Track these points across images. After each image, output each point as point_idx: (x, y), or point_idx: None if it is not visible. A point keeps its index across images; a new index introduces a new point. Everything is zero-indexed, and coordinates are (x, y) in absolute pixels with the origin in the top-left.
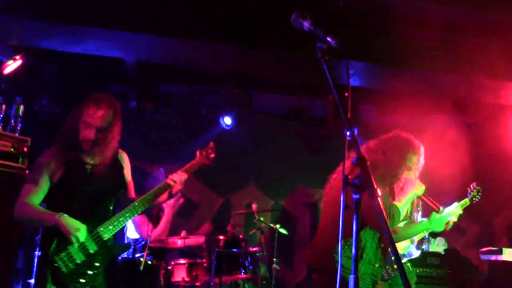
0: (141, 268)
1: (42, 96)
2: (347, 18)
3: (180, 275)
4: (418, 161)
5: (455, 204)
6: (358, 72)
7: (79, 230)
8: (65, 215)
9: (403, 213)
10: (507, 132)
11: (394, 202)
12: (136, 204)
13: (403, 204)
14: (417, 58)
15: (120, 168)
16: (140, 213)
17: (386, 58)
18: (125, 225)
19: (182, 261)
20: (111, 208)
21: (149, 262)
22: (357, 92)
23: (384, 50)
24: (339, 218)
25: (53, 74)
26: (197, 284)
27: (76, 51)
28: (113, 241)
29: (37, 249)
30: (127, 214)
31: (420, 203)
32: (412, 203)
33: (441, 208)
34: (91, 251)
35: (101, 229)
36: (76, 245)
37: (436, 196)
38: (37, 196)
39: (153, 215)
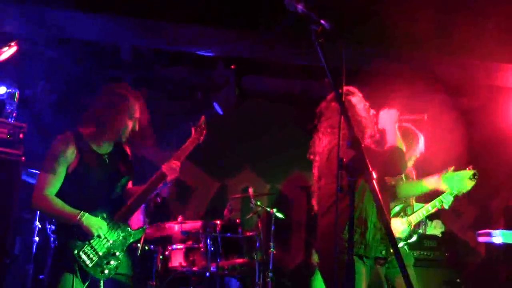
0: (138, 253)
1: (36, 83)
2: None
3: (177, 260)
4: (359, 96)
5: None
6: (351, 55)
7: (101, 229)
8: (86, 214)
9: (403, 146)
10: (503, 114)
11: (389, 145)
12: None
13: (396, 139)
14: (411, 40)
15: (127, 155)
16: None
17: (379, 41)
18: None
19: (179, 246)
20: (120, 194)
21: (146, 248)
22: (351, 75)
23: (377, 33)
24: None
25: (47, 61)
26: (194, 269)
27: (71, 36)
28: (128, 228)
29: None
30: (137, 201)
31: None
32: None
33: (425, 115)
34: (111, 240)
35: (116, 220)
36: (98, 238)
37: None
38: (55, 186)
39: (157, 204)
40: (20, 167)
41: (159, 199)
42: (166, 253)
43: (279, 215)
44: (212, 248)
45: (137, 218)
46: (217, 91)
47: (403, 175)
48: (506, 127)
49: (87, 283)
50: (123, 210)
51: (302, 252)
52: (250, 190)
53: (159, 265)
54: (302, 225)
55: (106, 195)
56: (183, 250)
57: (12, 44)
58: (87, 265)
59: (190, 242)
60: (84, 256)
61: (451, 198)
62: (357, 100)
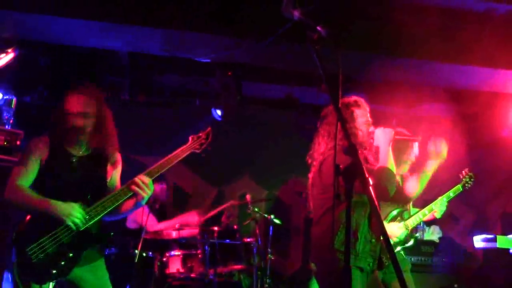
0: (136, 260)
1: (34, 89)
2: (342, 7)
3: (175, 266)
4: (366, 110)
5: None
6: (352, 61)
7: (76, 214)
8: (58, 201)
9: (394, 168)
10: (501, 119)
11: (379, 165)
12: (117, 192)
13: (388, 159)
14: (412, 46)
15: (104, 161)
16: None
17: (381, 47)
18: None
19: (177, 252)
20: (89, 197)
21: (144, 254)
22: (350, 81)
23: (379, 39)
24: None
25: (45, 67)
26: (192, 275)
27: (69, 43)
28: (94, 232)
29: None
30: (105, 203)
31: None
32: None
33: (419, 137)
34: (64, 241)
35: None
36: (47, 236)
37: (432, 185)
38: (26, 178)
39: (155, 210)
40: None
41: (157, 205)
42: (164, 259)
43: (277, 221)
44: (210, 255)
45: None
46: (216, 97)
47: (399, 178)
48: (503, 133)
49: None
50: (95, 205)
51: (299, 258)
52: (248, 197)
53: (157, 272)
54: (299, 231)
55: (72, 195)
56: (181, 256)
57: (9, 50)
58: (31, 263)
59: (187, 249)
60: (30, 252)
61: (445, 202)
62: (361, 113)
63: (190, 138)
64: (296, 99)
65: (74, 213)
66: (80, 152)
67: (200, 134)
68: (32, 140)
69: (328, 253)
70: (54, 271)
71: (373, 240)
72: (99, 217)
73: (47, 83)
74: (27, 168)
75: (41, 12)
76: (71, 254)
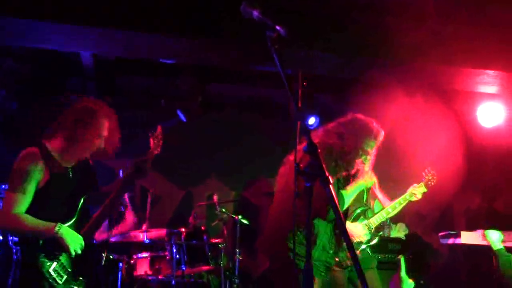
0: (102, 262)
1: None
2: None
3: (142, 268)
4: (376, 145)
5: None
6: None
7: (79, 243)
8: (63, 226)
9: (348, 201)
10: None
11: (340, 190)
12: (107, 204)
13: (348, 192)
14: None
15: (90, 166)
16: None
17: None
18: None
19: (144, 254)
20: (80, 207)
21: (111, 257)
22: (325, 81)
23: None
24: (291, 205)
25: (8, 69)
26: (160, 277)
27: (32, 45)
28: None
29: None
30: (101, 215)
31: (378, 190)
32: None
33: (386, 207)
34: (78, 256)
35: (83, 232)
36: (65, 254)
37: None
38: (24, 205)
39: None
40: None
41: (122, 208)
42: (131, 261)
43: (244, 221)
44: (177, 256)
45: (101, 227)
46: (181, 99)
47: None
48: (469, 131)
49: None
50: (89, 224)
51: (268, 258)
52: (215, 197)
53: (124, 274)
54: None
55: (70, 209)
56: (148, 258)
57: None
58: (57, 283)
59: (155, 250)
60: (54, 274)
61: (407, 200)
62: (364, 135)
63: (150, 140)
64: (263, 101)
65: (80, 241)
66: (71, 163)
67: (156, 134)
68: (25, 160)
69: (281, 250)
70: (75, 287)
71: (331, 252)
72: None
73: (10, 86)
74: (25, 194)
75: (1, 14)
76: (84, 267)
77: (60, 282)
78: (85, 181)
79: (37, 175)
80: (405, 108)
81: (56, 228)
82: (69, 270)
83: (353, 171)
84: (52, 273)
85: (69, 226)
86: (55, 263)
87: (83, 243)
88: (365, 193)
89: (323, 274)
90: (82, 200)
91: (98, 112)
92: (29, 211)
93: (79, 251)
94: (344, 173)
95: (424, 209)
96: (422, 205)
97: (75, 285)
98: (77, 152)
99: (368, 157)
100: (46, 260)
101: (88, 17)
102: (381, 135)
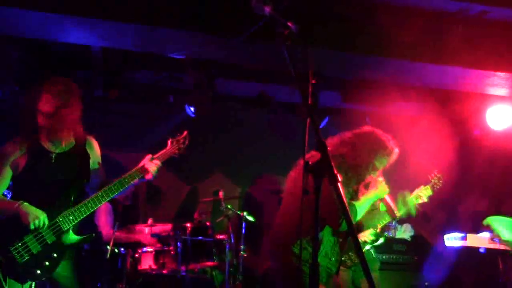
0: (108, 256)
1: (4, 83)
2: (329, 8)
3: (147, 262)
4: (388, 163)
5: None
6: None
7: (38, 218)
8: (26, 203)
9: (361, 213)
10: (474, 119)
11: (353, 201)
12: (100, 194)
13: (361, 203)
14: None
15: (86, 157)
16: (106, 200)
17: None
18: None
19: (149, 249)
20: (72, 198)
21: (116, 250)
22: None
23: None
24: (299, 210)
25: (17, 61)
26: (164, 272)
27: (41, 37)
28: (74, 232)
29: None
30: (89, 204)
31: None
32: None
33: (397, 216)
34: (49, 242)
35: (60, 219)
36: (31, 235)
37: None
38: None
39: (118, 203)
40: None
41: (127, 202)
42: (136, 255)
43: (250, 218)
44: (182, 251)
45: (106, 220)
46: (189, 94)
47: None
48: (476, 133)
49: (28, 285)
50: (77, 207)
51: (271, 259)
52: (221, 193)
53: (129, 268)
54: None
55: (54, 195)
56: (153, 252)
57: None
58: (16, 263)
59: (160, 245)
60: (14, 252)
61: (413, 201)
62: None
63: (169, 142)
64: (269, 97)
65: (40, 216)
66: (58, 149)
67: (179, 138)
68: (5, 146)
69: (286, 254)
70: (38, 272)
71: (333, 259)
72: (85, 215)
73: (19, 78)
74: None
75: (12, 5)
76: (55, 255)
77: (20, 262)
78: (74, 170)
79: (11, 159)
80: (414, 109)
81: (18, 204)
82: (33, 252)
83: (363, 184)
84: (13, 251)
85: (51, 213)
86: (19, 243)
87: (46, 221)
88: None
89: (323, 280)
90: (71, 189)
91: (32, 90)
92: (13, 197)
93: (41, 225)
94: (354, 186)
95: (430, 211)
96: (428, 207)
97: (38, 270)
98: (42, 136)
99: (377, 172)
100: (8, 236)
101: (97, 10)
102: (395, 153)
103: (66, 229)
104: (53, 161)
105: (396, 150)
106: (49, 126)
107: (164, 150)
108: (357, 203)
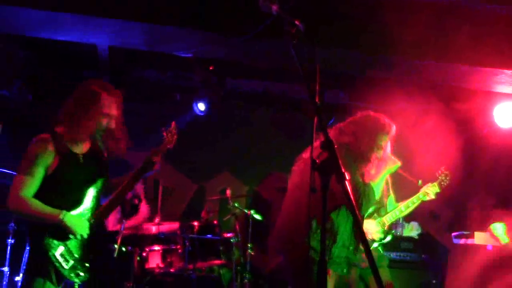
0: (115, 255)
1: (12, 83)
2: (334, 7)
3: (154, 261)
4: (389, 139)
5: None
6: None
7: (84, 229)
8: (68, 214)
9: (378, 191)
10: (482, 117)
11: (369, 182)
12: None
13: (377, 182)
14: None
15: (103, 156)
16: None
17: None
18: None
19: (156, 247)
20: (98, 198)
21: (123, 249)
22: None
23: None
24: (307, 201)
25: (24, 61)
26: (171, 270)
27: (48, 36)
28: (101, 231)
29: (10, 238)
30: (115, 203)
31: (390, 188)
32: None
33: (420, 181)
34: (86, 243)
35: (93, 220)
36: (74, 241)
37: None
38: (32, 188)
39: (126, 201)
40: None
41: (136, 200)
42: (143, 254)
43: (257, 216)
44: (189, 250)
45: (114, 219)
46: (198, 92)
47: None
48: (484, 130)
49: (61, 286)
50: (103, 207)
51: (279, 254)
52: (228, 192)
53: (136, 266)
54: None
55: (82, 196)
56: (160, 251)
57: None
58: (63, 268)
59: (167, 244)
60: (60, 259)
61: (420, 199)
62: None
63: (164, 134)
64: (276, 96)
65: (85, 226)
66: (82, 150)
67: (171, 129)
68: (35, 145)
69: (299, 249)
70: (82, 274)
71: (351, 248)
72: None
73: (26, 77)
74: (33, 177)
75: (20, 4)
76: (91, 255)
77: (66, 267)
78: (97, 170)
79: (45, 159)
80: (420, 106)
81: (61, 216)
82: (76, 256)
83: (372, 164)
84: (59, 257)
85: (82, 214)
86: (62, 248)
87: (88, 230)
88: (378, 191)
89: (345, 270)
90: (94, 189)
91: (100, 91)
92: (40, 196)
93: (85, 236)
94: (365, 168)
95: (437, 209)
96: (436, 205)
97: (81, 271)
98: (83, 134)
99: (382, 151)
100: (53, 244)
101: (105, 9)
102: (393, 128)
103: (98, 231)
104: (81, 162)
105: (393, 125)
106: (113, 129)
107: (164, 142)
108: (373, 183)
